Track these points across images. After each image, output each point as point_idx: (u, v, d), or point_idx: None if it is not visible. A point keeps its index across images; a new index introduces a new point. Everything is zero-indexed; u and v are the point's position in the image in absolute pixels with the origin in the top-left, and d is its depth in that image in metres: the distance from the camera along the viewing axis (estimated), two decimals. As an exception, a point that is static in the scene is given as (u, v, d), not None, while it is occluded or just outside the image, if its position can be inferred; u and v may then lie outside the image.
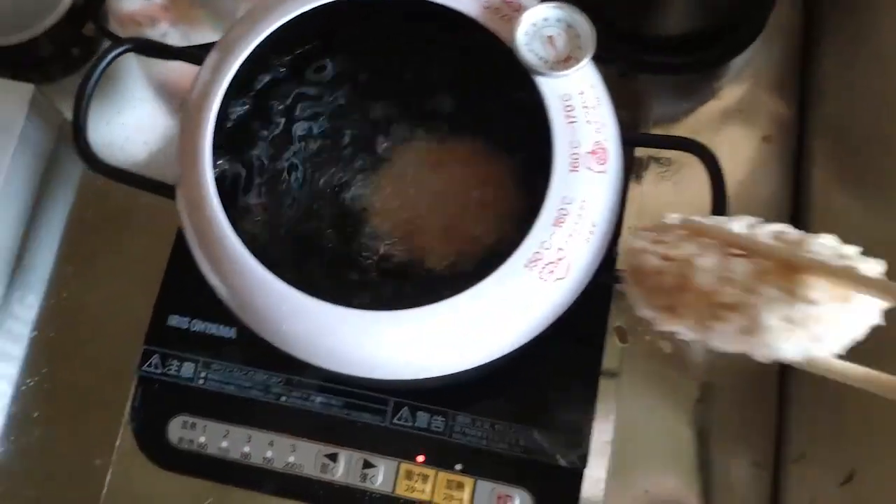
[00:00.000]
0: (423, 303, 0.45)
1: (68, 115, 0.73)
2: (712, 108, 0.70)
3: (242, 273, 0.46)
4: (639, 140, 0.52)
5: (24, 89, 0.68)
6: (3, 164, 0.65)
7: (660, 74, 0.68)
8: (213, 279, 0.48)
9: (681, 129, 0.69)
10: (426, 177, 0.52)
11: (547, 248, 0.46)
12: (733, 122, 0.70)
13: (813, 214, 0.66)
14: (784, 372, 0.63)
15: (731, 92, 0.71)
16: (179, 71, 0.72)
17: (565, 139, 0.47)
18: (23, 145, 0.67)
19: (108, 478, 0.64)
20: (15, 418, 0.66)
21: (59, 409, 0.66)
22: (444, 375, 0.48)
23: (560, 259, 0.46)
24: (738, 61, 0.70)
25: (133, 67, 0.75)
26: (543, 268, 0.46)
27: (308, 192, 0.53)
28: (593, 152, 0.48)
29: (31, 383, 0.67)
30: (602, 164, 0.48)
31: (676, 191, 0.67)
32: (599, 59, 0.49)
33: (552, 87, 0.48)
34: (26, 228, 0.70)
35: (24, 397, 0.67)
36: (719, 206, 0.51)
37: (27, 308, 0.69)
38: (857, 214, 0.61)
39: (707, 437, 0.63)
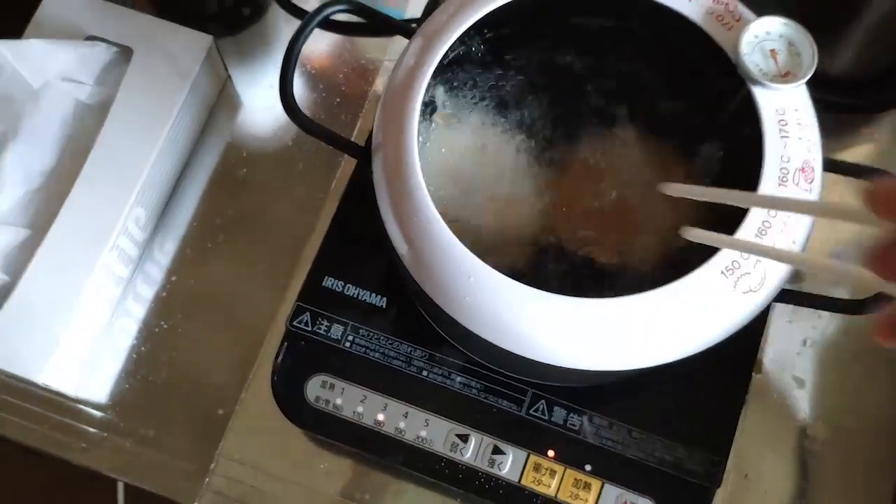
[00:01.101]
0: (614, 294, 0.42)
1: (232, 72, 0.71)
2: (865, 150, 0.67)
3: (439, 244, 0.44)
4: (839, 167, 0.49)
5: (204, 40, 0.66)
6: (175, 106, 0.63)
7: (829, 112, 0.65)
8: (401, 246, 0.46)
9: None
10: (624, 173, 0.49)
11: (746, 259, 0.43)
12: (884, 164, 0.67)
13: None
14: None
15: (883, 136, 0.68)
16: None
17: (776, 152, 0.44)
18: (193, 93, 0.65)
19: (230, 425, 0.61)
20: (144, 358, 0.64)
21: (188, 356, 0.64)
22: (614, 372, 0.45)
23: (756, 271, 0.43)
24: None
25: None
26: (739, 277, 0.43)
27: (500, 173, 0.50)
28: (802, 170, 0.44)
29: (165, 326, 0.65)
30: (809, 182, 0.45)
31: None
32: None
33: (769, 100, 0.45)
34: (181, 173, 0.68)
35: (154, 338, 0.64)
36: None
37: (165, 254, 0.67)
38: None
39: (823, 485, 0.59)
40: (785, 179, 0.44)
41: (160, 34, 0.65)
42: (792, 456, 0.60)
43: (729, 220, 0.44)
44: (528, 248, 0.48)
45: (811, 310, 0.61)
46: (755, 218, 0.43)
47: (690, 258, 0.43)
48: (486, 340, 0.45)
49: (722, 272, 0.43)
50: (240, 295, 0.65)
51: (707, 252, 0.43)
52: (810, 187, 0.45)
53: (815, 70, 0.64)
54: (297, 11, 0.71)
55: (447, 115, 0.52)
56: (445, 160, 0.51)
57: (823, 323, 0.62)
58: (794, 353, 0.61)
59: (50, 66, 0.63)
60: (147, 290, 0.66)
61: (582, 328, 0.43)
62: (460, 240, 0.43)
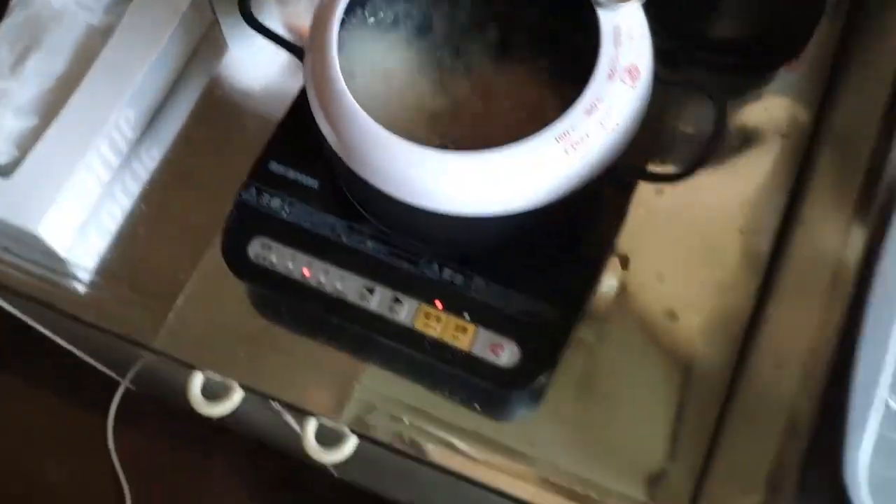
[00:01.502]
0: (480, 149, 0.55)
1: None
2: (760, 106, 0.80)
3: (353, 122, 0.57)
4: (667, 80, 0.62)
5: (193, -19, 0.79)
6: (166, 33, 0.76)
7: (714, 73, 0.78)
8: (326, 128, 0.58)
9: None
10: (495, 76, 0.62)
11: (575, 130, 0.55)
12: (759, 117, 0.79)
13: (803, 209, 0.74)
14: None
15: (763, 95, 0.80)
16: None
17: (609, 54, 0.57)
18: (181, 25, 0.78)
19: (189, 282, 0.74)
20: (125, 235, 0.76)
21: (161, 234, 0.76)
22: (482, 219, 0.57)
23: (584, 140, 0.56)
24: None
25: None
26: (570, 144, 0.55)
27: (403, 63, 0.63)
28: (628, 70, 0.57)
29: (144, 209, 0.77)
30: (634, 80, 0.57)
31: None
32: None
33: (608, 18, 0.58)
34: (169, 92, 0.81)
35: (135, 219, 0.77)
36: (714, 144, 0.60)
37: (151, 159, 0.80)
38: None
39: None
40: (613, 76, 0.57)
41: (158, -25, 0.78)
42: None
43: (566, 100, 0.56)
44: (421, 124, 0.61)
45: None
46: (589, 98, 0.56)
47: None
48: (387, 196, 0.58)
49: (556, 139, 0.55)
50: (210, 187, 0.77)
51: (546, 124, 0.55)
52: (634, 84, 0.57)
53: (710, 35, 0.77)
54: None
55: (364, 24, 0.64)
56: (361, 60, 0.63)
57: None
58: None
59: (68, -7, 0.76)
60: (132, 184, 0.79)
61: (454, 176, 0.55)
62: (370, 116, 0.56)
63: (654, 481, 0.68)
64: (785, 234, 0.74)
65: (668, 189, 0.76)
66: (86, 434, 1.48)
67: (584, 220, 0.68)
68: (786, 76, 0.81)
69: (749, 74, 0.81)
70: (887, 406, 0.46)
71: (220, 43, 0.85)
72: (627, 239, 0.74)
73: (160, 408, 1.47)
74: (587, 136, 0.56)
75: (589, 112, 0.56)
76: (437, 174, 0.56)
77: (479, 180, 0.56)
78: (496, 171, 0.56)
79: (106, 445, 1.47)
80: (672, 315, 0.72)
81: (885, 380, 0.45)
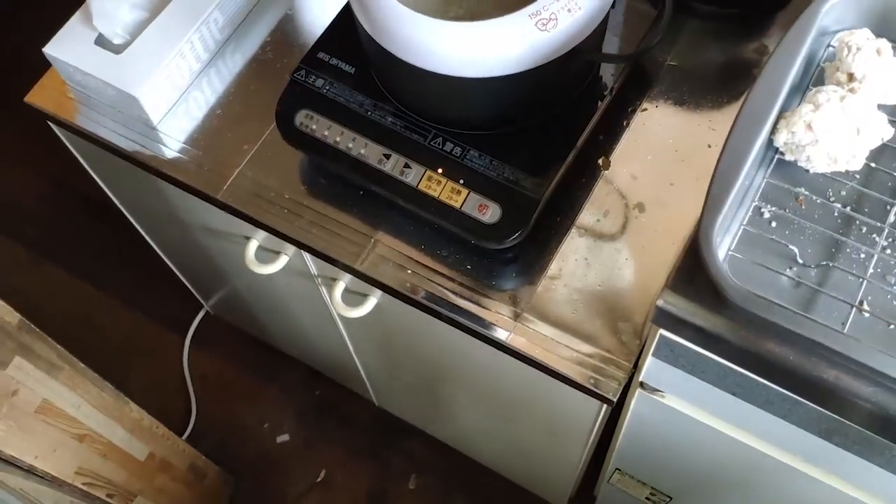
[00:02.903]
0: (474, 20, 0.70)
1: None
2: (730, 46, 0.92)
3: (382, 4, 0.72)
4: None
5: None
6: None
7: (704, 20, 0.91)
8: (359, 9, 0.74)
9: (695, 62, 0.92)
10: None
11: (546, 10, 0.70)
12: (741, 56, 0.91)
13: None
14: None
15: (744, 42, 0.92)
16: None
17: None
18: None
19: (250, 154, 0.90)
20: (206, 113, 0.94)
21: (235, 115, 0.94)
22: (476, 82, 0.72)
23: (552, 19, 0.70)
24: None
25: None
26: (539, 21, 0.70)
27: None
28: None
29: (224, 97, 0.95)
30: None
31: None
32: None
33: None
34: (252, 7, 0.99)
35: (215, 104, 0.94)
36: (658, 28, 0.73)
37: (234, 62, 0.97)
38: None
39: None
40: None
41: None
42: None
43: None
44: (434, 8, 0.76)
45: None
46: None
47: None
48: (403, 63, 0.73)
49: (529, 16, 0.70)
50: (273, 85, 0.94)
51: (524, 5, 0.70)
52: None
53: None
54: None
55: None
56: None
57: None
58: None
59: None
60: (216, 79, 0.96)
61: (453, 41, 0.70)
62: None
63: (609, 339, 0.80)
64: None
65: (652, 108, 0.89)
66: (165, 350, 1.67)
67: (561, 112, 0.81)
68: (770, 27, 0.93)
69: (739, 24, 0.94)
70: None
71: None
72: (611, 147, 0.87)
73: (233, 334, 1.65)
74: (556, 16, 0.70)
75: (558, -1, 0.70)
76: (439, 39, 0.71)
77: (469, 45, 0.70)
78: (483, 39, 0.70)
79: (181, 362, 1.65)
80: (641, 208, 0.85)
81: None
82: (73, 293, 1.73)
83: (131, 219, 1.25)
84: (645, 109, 0.89)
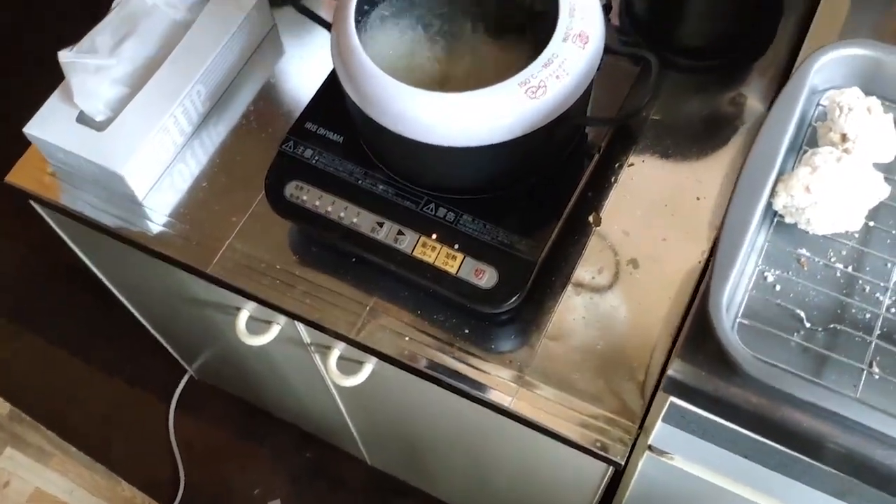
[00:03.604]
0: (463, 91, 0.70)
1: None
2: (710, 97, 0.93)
3: (368, 75, 0.72)
4: (613, 49, 0.76)
5: (258, -9, 0.98)
6: (232, 28, 0.94)
7: (685, 73, 0.92)
8: (347, 83, 0.74)
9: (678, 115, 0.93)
10: (479, 39, 0.78)
11: (535, 78, 0.70)
12: (722, 108, 0.92)
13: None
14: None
15: (724, 92, 0.94)
16: None
17: (565, 22, 0.72)
18: (244, 24, 0.96)
19: (239, 226, 0.90)
20: (191, 185, 0.93)
21: (221, 187, 0.93)
22: (467, 150, 0.72)
23: (541, 87, 0.70)
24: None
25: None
26: (529, 89, 0.70)
27: (406, 39, 0.79)
28: (580, 35, 0.72)
29: (209, 168, 0.94)
30: (584, 44, 0.72)
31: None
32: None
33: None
34: (234, 78, 0.99)
35: (200, 175, 0.94)
36: (650, 98, 0.73)
37: (217, 133, 0.97)
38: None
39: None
40: (567, 38, 0.71)
41: (231, -15, 0.97)
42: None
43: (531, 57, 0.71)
44: (420, 78, 0.77)
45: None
46: (547, 55, 0.71)
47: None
48: (392, 134, 0.73)
49: (519, 84, 0.70)
50: (264, 152, 0.93)
51: (511, 75, 0.70)
52: (584, 46, 0.72)
53: (679, 43, 0.92)
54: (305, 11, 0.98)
55: (376, 10, 0.81)
56: (373, 30, 0.80)
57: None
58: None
59: (160, -5, 0.96)
60: (199, 151, 0.96)
61: (443, 113, 0.70)
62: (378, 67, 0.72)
63: (612, 399, 0.79)
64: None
65: (638, 163, 0.90)
66: (150, 418, 1.64)
67: (551, 173, 0.82)
68: (749, 75, 0.95)
69: (718, 75, 0.95)
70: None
71: (278, 46, 1.03)
72: (600, 203, 0.87)
73: (219, 398, 1.62)
74: (544, 84, 0.70)
75: (546, 65, 0.71)
76: (429, 111, 0.71)
77: (460, 116, 0.70)
78: (474, 109, 0.70)
79: (167, 429, 1.62)
80: (634, 264, 0.85)
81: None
82: (55, 363, 1.70)
83: (113, 289, 1.24)
84: (632, 164, 0.90)
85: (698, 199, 0.87)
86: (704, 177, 0.88)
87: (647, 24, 0.94)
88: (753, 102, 0.93)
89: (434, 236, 0.80)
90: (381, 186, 0.82)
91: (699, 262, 0.84)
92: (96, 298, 1.42)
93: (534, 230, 0.79)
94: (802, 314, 0.57)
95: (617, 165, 0.90)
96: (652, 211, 0.87)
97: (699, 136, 0.92)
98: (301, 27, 1.03)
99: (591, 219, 0.87)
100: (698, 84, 0.95)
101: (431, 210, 0.81)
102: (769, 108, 0.88)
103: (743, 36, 0.94)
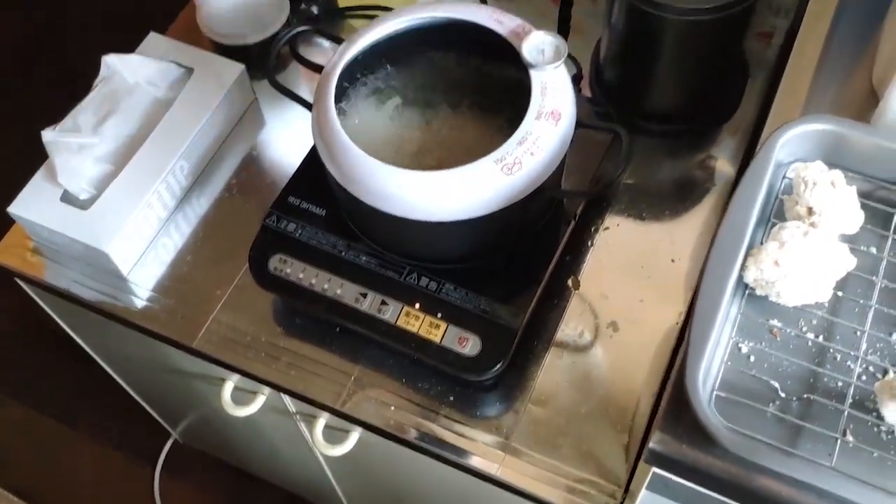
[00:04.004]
0: (440, 169, 0.72)
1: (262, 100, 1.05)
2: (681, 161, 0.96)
3: (348, 155, 0.74)
4: (585, 123, 0.79)
5: (238, 67, 1.00)
6: (213, 104, 0.96)
7: (655, 138, 0.95)
8: (329, 162, 0.76)
9: (650, 176, 0.95)
10: (455, 118, 0.80)
11: (510, 156, 0.72)
12: (692, 171, 0.95)
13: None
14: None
15: (695, 153, 0.97)
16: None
17: (537, 101, 0.74)
18: (226, 99, 0.98)
19: (224, 299, 0.91)
20: (175, 262, 0.94)
21: (205, 260, 0.94)
22: (445, 225, 0.74)
23: (516, 164, 0.72)
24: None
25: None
26: (504, 166, 0.72)
27: (385, 112, 0.82)
28: (552, 113, 0.74)
29: (192, 241, 0.95)
30: (556, 121, 0.74)
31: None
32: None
33: (539, 76, 0.75)
34: (216, 153, 1.00)
35: (184, 249, 0.95)
36: (622, 170, 0.76)
37: (200, 206, 0.98)
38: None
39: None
40: (539, 116, 0.74)
41: (210, 62, 0.99)
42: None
43: (506, 135, 0.73)
44: (399, 156, 0.79)
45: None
46: (521, 132, 0.73)
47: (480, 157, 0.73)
48: (374, 210, 0.74)
49: (495, 162, 0.72)
50: (246, 224, 0.94)
51: (488, 152, 0.73)
52: (557, 123, 0.74)
53: (649, 109, 0.95)
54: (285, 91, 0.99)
55: (356, 84, 0.83)
56: (353, 110, 0.82)
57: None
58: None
59: (141, 73, 0.97)
60: (183, 223, 0.97)
61: (421, 190, 0.72)
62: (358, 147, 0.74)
63: (597, 463, 0.81)
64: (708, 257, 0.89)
65: (614, 227, 0.92)
66: (134, 484, 1.63)
67: (530, 240, 0.84)
68: (718, 137, 0.98)
69: (688, 138, 0.98)
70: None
71: (259, 118, 1.05)
72: (579, 267, 0.89)
73: (205, 461, 1.62)
74: (519, 160, 0.73)
75: (521, 143, 0.73)
76: (409, 189, 0.73)
77: (439, 193, 0.72)
78: (452, 186, 0.72)
79: (153, 494, 1.61)
80: (614, 326, 0.87)
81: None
82: (38, 429, 1.69)
83: (97, 358, 1.24)
84: (607, 228, 0.92)
85: (673, 260, 0.89)
86: (678, 238, 0.91)
87: (617, 92, 0.97)
88: (723, 164, 0.95)
89: (417, 306, 0.81)
90: (363, 258, 0.84)
91: (676, 324, 0.86)
92: (78, 364, 1.42)
93: (515, 297, 0.81)
94: (777, 385, 0.59)
95: (593, 229, 0.92)
96: (629, 273, 0.89)
97: (672, 199, 0.94)
98: (281, 98, 1.04)
99: (570, 282, 0.89)
100: (669, 148, 0.98)
101: (414, 280, 0.82)
102: (737, 176, 0.93)
103: (710, 101, 0.97)
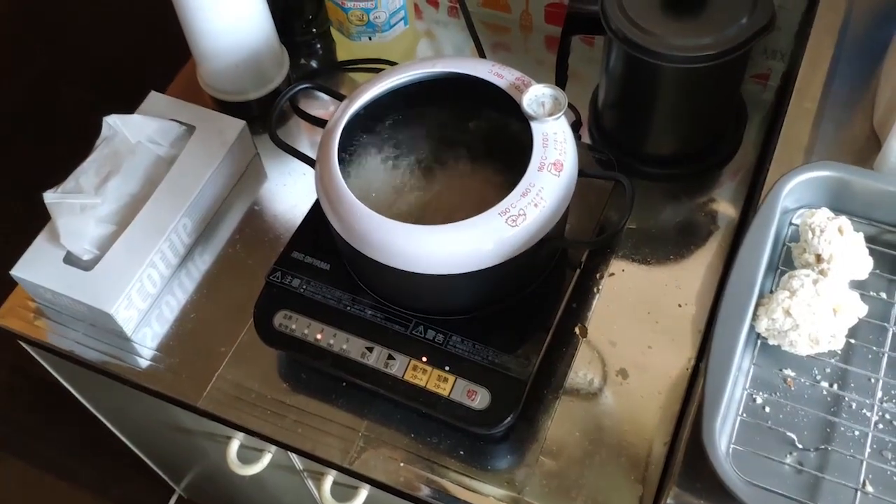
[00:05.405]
0: (444, 223, 0.72)
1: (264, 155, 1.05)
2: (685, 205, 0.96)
3: (353, 210, 0.74)
4: (587, 172, 0.79)
5: (239, 124, 1.00)
6: (216, 161, 0.97)
7: (656, 182, 0.96)
8: (333, 218, 0.76)
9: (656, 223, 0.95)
10: (458, 171, 0.80)
11: (514, 207, 0.72)
12: (695, 215, 0.95)
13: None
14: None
15: (696, 198, 0.97)
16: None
17: (539, 153, 0.75)
18: (229, 156, 0.98)
19: (228, 356, 0.90)
20: (178, 321, 0.94)
21: (209, 317, 0.94)
22: (450, 278, 0.74)
23: (520, 215, 0.72)
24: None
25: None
26: (509, 218, 0.72)
27: (388, 167, 0.82)
28: (554, 164, 0.74)
29: (196, 298, 0.95)
30: (559, 171, 0.74)
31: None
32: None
33: (540, 128, 0.76)
34: (218, 208, 1.00)
35: (188, 306, 0.95)
36: (625, 218, 0.76)
37: (203, 262, 0.98)
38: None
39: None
40: (542, 168, 0.74)
41: (212, 119, 1.00)
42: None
43: (509, 187, 0.73)
44: (403, 210, 0.79)
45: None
46: (524, 184, 0.73)
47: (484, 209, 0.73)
48: (379, 264, 0.74)
49: (499, 214, 0.72)
50: (250, 280, 0.94)
51: (492, 204, 0.73)
52: (559, 174, 0.75)
53: (648, 154, 0.95)
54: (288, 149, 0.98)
55: (359, 141, 0.84)
56: (356, 165, 0.82)
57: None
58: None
59: (143, 132, 0.98)
60: (187, 280, 0.97)
61: (426, 244, 0.72)
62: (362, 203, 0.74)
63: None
64: (717, 307, 0.89)
65: (619, 273, 0.92)
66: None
67: (536, 289, 0.83)
68: (718, 179, 0.98)
69: (689, 182, 0.99)
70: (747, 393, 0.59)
71: (261, 172, 1.05)
72: (585, 314, 0.89)
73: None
74: (523, 212, 0.73)
75: (524, 195, 0.73)
76: (414, 243, 0.73)
77: (445, 246, 0.72)
78: (457, 239, 0.72)
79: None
80: (623, 374, 0.86)
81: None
82: (38, 487, 1.67)
83: (100, 416, 1.23)
84: (612, 274, 0.92)
85: (680, 305, 0.89)
86: (684, 283, 0.90)
87: (617, 137, 0.98)
88: (725, 206, 0.96)
89: (424, 359, 0.81)
90: (369, 311, 0.83)
91: (686, 370, 0.85)
92: (77, 419, 1.40)
93: (523, 347, 0.81)
94: (793, 436, 0.58)
95: (598, 276, 0.92)
96: (636, 319, 0.89)
97: (675, 243, 0.94)
98: (283, 152, 1.05)
99: (577, 330, 0.88)
100: (670, 191, 0.98)
101: (420, 333, 0.82)
102: (740, 219, 0.93)
103: (710, 144, 0.98)
